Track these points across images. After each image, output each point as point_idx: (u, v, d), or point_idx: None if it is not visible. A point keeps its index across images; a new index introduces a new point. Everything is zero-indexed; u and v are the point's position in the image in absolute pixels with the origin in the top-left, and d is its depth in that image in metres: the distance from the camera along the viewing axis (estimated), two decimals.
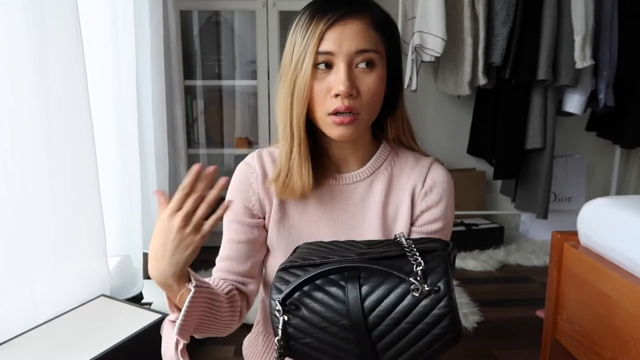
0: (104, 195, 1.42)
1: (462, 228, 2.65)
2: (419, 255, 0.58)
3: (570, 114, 2.39)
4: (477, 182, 2.83)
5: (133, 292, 1.64)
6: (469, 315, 1.92)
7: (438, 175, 0.82)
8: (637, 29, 2.36)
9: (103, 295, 1.39)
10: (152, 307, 1.59)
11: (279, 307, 0.60)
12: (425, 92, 2.75)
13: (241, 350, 1.00)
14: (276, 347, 0.62)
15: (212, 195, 0.66)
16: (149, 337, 1.21)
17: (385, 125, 0.83)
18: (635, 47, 2.36)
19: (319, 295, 0.60)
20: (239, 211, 0.84)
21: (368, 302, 0.58)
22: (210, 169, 0.66)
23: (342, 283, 0.59)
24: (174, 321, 0.69)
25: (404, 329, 0.57)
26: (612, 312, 1.16)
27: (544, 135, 2.31)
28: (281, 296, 0.60)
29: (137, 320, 1.22)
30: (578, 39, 2.14)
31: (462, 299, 2.04)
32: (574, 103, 2.31)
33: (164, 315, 1.26)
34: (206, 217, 0.67)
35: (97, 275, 1.41)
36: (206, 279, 0.84)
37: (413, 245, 0.61)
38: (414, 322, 0.57)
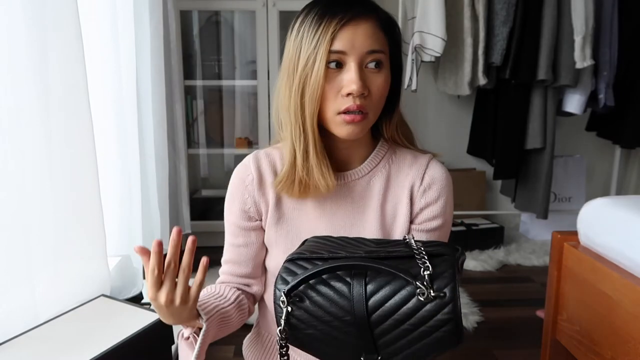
0: (104, 195, 1.42)
1: (462, 228, 2.65)
2: (427, 259, 0.58)
3: (570, 114, 2.39)
4: (477, 182, 2.83)
5: (133, 292, 1.64)
6: (469, 315, 1.92)
7: (436, 172, 0.83)
8: (637, 28, 2.36)
9: (103, 295, 1.39)
10: (152, 307, 1.58)
11: (283, 298, 0.61)
12: (425, 92, 2.75)
13: (241, 350, 1.00)
14: (278, 337, 0.62)
15: (185, 262, 0.66)
16: (149, 337, 1.20)
17: (381, 125, 0.84)
18: (635, 47, 2.36)
19: (324, 289, 0.60)
20: (236, 215, 0.85)
21: (372, 300, 0.58)
22: (173, 234, 0.64)
23: (348, 279, 0.59)
24: (188, 338, 0.74)
25: (406, 329, 0.57)
26: (612, 312, 1.16)
27: (544, 135, 2.31)
28: (287, 287, 0.60)
29: (137, 320, 1.22)
30: (578, 39, 2.14)
31: (462, 299, 2.03)
32: (574, 103, 2.31)
33: None
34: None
35: (97, 275, 1.41)
36: (212, 287, 0.85)
37: (422, 248, 0.61)
38: (417, 324, 0.57)
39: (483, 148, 2.60)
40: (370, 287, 0.58)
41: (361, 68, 0.72)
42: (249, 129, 2.79)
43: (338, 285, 0.60)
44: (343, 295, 0.59)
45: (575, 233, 1.37)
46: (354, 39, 0.71)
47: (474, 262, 2.46)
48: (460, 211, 2.71)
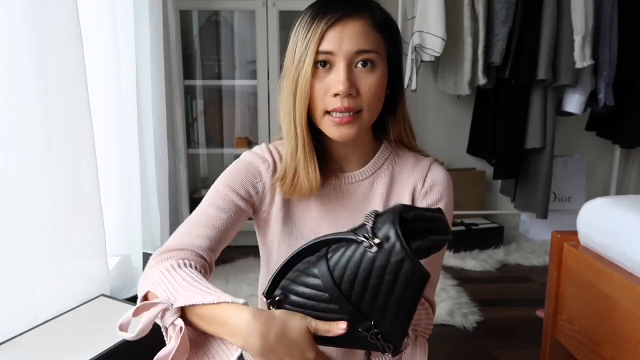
0: (104, 196, 1.42)
1: (462, 228, 2.65)
2: (373, 217, 0.60)
3: (570, 114, 2.39)
4: (477, 182, 2.83)
5: (133, 292, 1.64)
6: (469, 315, 1.92)
7: (438, 175, 0.84)
8: (637, 28, 2.36)
9: (103, 295, 1.39)
10: None
11: (265, 300, 0.65)
12: (425, 92, 2.75)
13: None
14: None
15: None
16: (149, 337, 1.21)
17: (387, 126, 0.84)
18: (635, 47, 2.36)
19: (300, 279, 0.63)
20: (235, 186, 0.79)
21: (336, 272, 0.60)
22: None
23: (315, 262, 0.63)
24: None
25: (374, 285, 0.59)
26: (612, 312, 1.16)
27: (544, 135, 2.31)
28: (264, 290, 0.65)
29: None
30: (578, 39, 2.14)
31: (462, 299, 2.04)
32: (574, 103, 2.31)
33: None
34: None
35: (97, 275, 1.41)
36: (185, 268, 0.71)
37: (373, 212, 0.62)
38: (379, 276, 0.59)
39: (483, 148, 2.60)
40: (331, 262, 0.61)
41: (350, 68, 0.72)
42: (249, 129, 2.79)
43: (310, 271, 0.62)
44: (315, 276, 0.62)
45: (575, 233, 1.37)
46: (342, 39, 0.72)
47: (474, 262, 2.46)
48: (460, 211, 2.71)
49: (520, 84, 2.27)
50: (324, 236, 0.64)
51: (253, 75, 2.62)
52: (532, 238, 2.80)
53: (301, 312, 0.62)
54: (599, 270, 1.21)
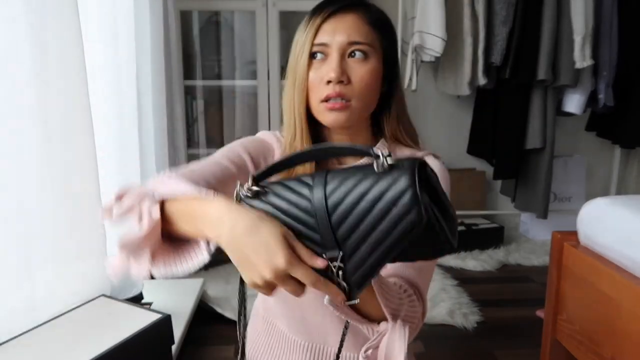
0: (103, 196, 1.42)
1: (462, 228, 2.65)
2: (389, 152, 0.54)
3: (570, 114, 2.39)
4: (477, 182, 2.83)
5: (133, 292, 1.64)
6: (469, 315, 1.92)
7: (433, 167, 0.83)
8: (637, 28, 2.36)
9: (103, 295, 1.39)
10: (152, 307, 1.59)
11: (250, 185, 0.57)
12: (425, 92, 2.75)
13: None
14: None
15: None
16: (149, 337, 1.21)
17: (382, 122, 0.85)
18: (635, 47, 2.36)
19: (287, 192, 0.56)
20: (251, 149, 0.81)
21: (329, 188, 0.54)
22: None
23: (312, 187, 0.56)
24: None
25: (361, 210, 0.52)
26: (612, 312, 1.16)
27: (543, 135, 2.31)
28: (256, 173, 0.58)
29: (137, 320, 1.22)
30: (578, 39, 2.14)
31: (462, 299, 2.04)
32: (573, 103, 2.32)
33: (164, 315, 1.26)
34: None
35: (97, 275, 1.41)
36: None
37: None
38: (372, 202, 0.51)
39: (483, 148, 2.61)
40: (328, 188, 0.54)
41: (343, 58, 0.76)
42: (249, 129, 2.79)
43: (300, 189, 0.56)
44: (307, 199, 0.55)
45: (575, 233, 1.37)
46: (335, 30, 0.76)
47: (474, 262, 2.46)
48: (460, 211, 2.71)
49: (520, 84, 2.27)
50: (333, 144, 0.60)
51: (253, 75, 2.62)
52: (532, 238, 2.80)
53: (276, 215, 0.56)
54: (599, 270, 1.21)
